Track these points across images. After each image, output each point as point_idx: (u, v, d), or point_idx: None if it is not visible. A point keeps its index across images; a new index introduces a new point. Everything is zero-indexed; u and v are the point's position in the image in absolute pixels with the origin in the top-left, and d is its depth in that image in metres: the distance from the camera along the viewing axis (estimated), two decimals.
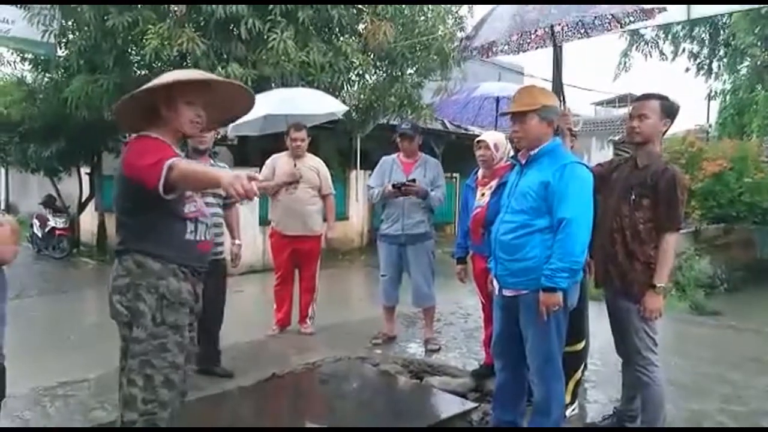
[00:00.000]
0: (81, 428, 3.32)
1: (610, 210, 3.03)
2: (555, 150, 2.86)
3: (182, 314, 2.40)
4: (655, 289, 2.86)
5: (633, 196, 2.93)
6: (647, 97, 2.98)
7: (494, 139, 3.83)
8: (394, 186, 4.57)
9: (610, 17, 3.83)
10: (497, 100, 5.24)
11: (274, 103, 5.33)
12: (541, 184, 2.77)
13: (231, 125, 5.32)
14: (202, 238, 2.46)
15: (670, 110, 2.95)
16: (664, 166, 2.91)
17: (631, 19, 3.85)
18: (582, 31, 3.97)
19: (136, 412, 2.30)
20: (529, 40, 4.05)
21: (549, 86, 3.73)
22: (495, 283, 3.01)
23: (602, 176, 3.11)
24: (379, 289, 5.00)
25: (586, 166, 2.90)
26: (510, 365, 3.07)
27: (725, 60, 16.27)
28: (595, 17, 3.83)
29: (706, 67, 17.02)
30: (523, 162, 2.94)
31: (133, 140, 2.42)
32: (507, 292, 2.91)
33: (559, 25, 3.85)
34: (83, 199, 10.95)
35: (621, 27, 4.04)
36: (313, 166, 5.10)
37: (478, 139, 3.87)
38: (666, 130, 3.03)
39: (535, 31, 3.93)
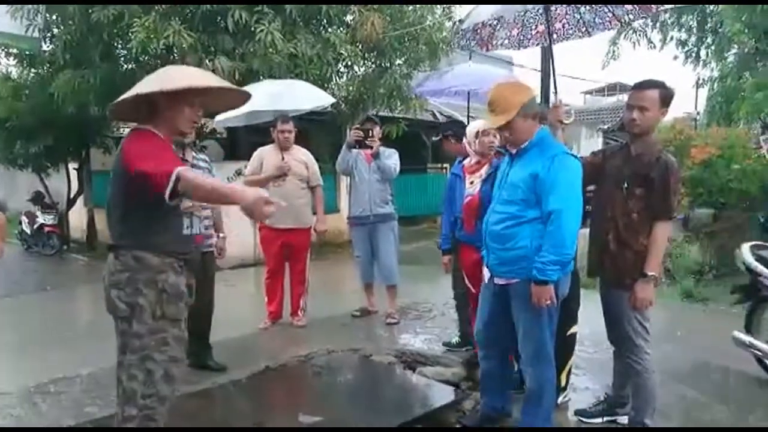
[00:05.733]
0: (73, 428, 3.30)
1: (603, 199, 3.03)
2: (544, 140, 2.86)
3: (180, 308, 2.41)
4: (646, 278, 2.87)
5: (626, 185, 2.92)
6: (646, 86, 2.90)
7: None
8: (358, 128, 5.14)
9: (610, 15, 3.83)
10: (468, 94, 5.30)
11: (261, 99, 5.27)
12: (531, 175, 2.77)
13: (216, 118, 5.29)
14: (198, 232, 2.46)
15: (667, 99, 2.90)
16: (657, 155, 2.89)
17: (631, 17, 3.89)
18: (583, 29, 3.95)
19: (135, 407, 2.31)
20: (529, 36, 4.04)
21: (538, 76, 3.72)
22: (486, 271, 3.02)
23: (596, 165, 3.09)
24: (357, 269, 5.52)
25: (575, 156, 2.90)
26: (496, 353, 3.12)
27: (713, 47, 16.29)
28: (596, 15, 3.84)
29: (694, 54, 17.02)
30: (514, 152, 2.94)
31: (132, 135, 2.35)
32: (498, 281, 2.92)
33: (560, 22, 3.85)
34: (72, 195, 10.87)
35: (621, 24, 4.07)
36: (301, 158, 5.08)
37: (483, 129, 3.75)
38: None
39: (536, 27, 3.93)
